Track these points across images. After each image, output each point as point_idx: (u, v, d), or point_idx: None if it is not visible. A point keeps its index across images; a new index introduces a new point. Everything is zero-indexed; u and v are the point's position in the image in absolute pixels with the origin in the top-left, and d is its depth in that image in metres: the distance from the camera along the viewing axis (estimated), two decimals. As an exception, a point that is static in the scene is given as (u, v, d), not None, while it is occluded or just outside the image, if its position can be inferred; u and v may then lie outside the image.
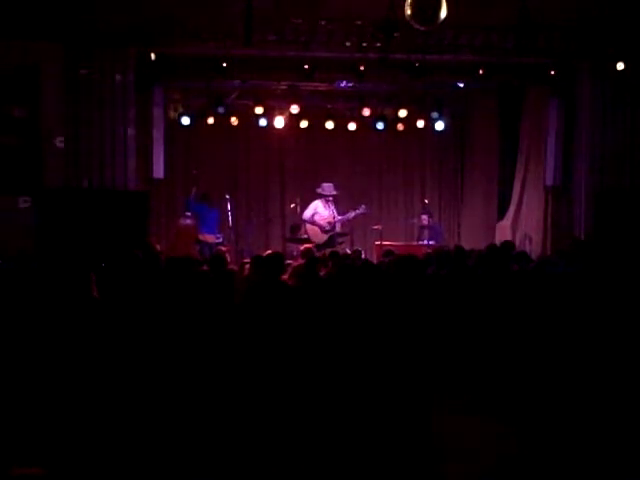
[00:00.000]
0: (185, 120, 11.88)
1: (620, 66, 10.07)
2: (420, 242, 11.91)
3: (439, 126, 12.67)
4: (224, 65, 9.95)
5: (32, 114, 9.49)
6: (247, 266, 7.29)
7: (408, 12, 6.48)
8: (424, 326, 5.27)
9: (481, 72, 10.54)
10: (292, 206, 12.11)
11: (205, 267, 6.82)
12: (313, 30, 9.56)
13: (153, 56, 10.06)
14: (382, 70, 10.39)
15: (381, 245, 10.92)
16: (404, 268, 5.86)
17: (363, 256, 9.36)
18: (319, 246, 10.38)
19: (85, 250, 8.18)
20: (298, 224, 11.84)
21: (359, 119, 12.79)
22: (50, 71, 9.48)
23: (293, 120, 12.65)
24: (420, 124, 12.94)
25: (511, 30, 9.55)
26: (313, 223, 11.52)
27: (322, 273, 6.53)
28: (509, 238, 11.09)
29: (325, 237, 11.47)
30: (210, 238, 11.15)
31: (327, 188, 11.65)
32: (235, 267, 7.57)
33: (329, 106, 12.74)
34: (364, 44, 9.66)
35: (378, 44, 9.54)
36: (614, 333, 5.54)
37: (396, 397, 4.66)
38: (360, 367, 4.77)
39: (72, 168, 9.63)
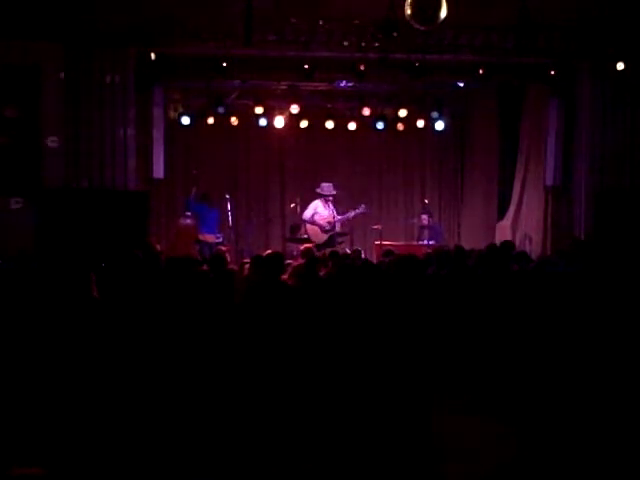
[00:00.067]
0: (185, 120, 11.88)
1: (620, 66, 10.07)
2: (420, 242, 11.91)
3: (439, 126, 12.67)
4: (224, 65, 9.95)
5: (32, 114, 9.49)
6: (247, 266, 7.29)
7: (408, 12, 6.47)
8: (424, 326, 5.27)
9: (481, 72, 10.53)
10: (292, 206, 12.12)
11: (205, 267, 6.82)
12: (313, 30, 9.56)
13: (153, 56, 10.06)
14: (382, 70, 10.39)
15: (381, 245, 10.92)
16: (404, 268, 5.86)
17: (363, 256, 9.36)
18: (319, 246, 10.38)
19: (85, 250, 8.18)
20: (298, 224, 11.84)
21: (359, 119, 12.79)
22: (50, 71, 9.48)
23: (293, 120, 12.65)
24: (420, 124, 12.95)
25: (511, 30, 9.54)
26: (313, 223, 11.53)
27: (322, 273, 6.53)
28: (509, 238, 11.08)
29: (325, 237, 11.47)
30: (210, 238, 11.15)
31: (326, 188, 11.65)
32: (235, 267, 7.57)
33: (329, 106, 12.74)
34: (364, 44, 9.66)
35: (377, 44, 9.54)
36: (614, 333, 5.54)
37: (396, 397, 4.66)
38: (360, 367, 4.77)
39: (72, 168, 9.63)
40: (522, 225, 12.16)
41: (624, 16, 9.47)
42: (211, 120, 12.22)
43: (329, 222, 11.52)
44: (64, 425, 4.10)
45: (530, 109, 12.04)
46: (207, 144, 12.99)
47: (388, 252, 8.44)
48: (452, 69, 10.92)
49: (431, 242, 11.36)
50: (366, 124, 12.77)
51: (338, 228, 11.70)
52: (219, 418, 4.49)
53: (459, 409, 5.26)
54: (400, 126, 12.95)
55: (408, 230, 13.47)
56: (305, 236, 11.41)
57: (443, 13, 6.43)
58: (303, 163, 13.41)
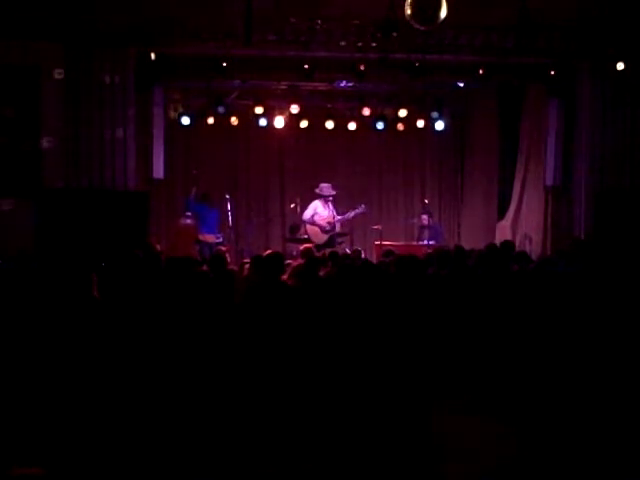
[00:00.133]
0: (185, 120, 11.88)
1: (620, 66, 10.07)
2: (420, 242, 11.90)
3: (439, 126, 12.67)
4: (224, 65, 9.95)
5: (32, 114, 9.49)
6: (247, 266, 7.29)
7: (408, 12, 6.47)
8: (424, 326, 5.27)
9: (481, 72, 10.53)
10: (292, 206, 12.11)
11: (205, 267, 6.82)
12: (313, 30, 9.56)
13: (153, 56, 10.06)
14: (382, 70, 10.40)
15: (381, 245, 10.92)
16: (405, 268, 5.86)
17: (363, 256, 9.36)
18: (319, 246, 10.37)
19: (85, 250, 8.18)
20: (297, 224, 11.84)
21: (359, 119, 12.79)
22: (50, 71, 9.48)
23: (293, 120, 12.65)
24: (420, 124, 12.94)
25: (511, 30, 9.55)
26: (313, 223, 11.53)
27: (322, 273, 6.53)
28: (509, 238, 11.08)
29: (325, 237, 11.48)
30: (210, 238, 11.15)
31: (326, 189, 11.65)
32: (235, 267, 7.57)
33: (329, 106, 12.75)
34: (364, 44, 9.66)
35: (375, 44, 9.54)
36: (614, 333, 5.54)
37: (396, 397, 4.66)
38: (360, 367, 4.77)
39: (72, 168, 9.63)
40: (522, 225, 12.16)
41: (624, 16, 9.46)
42: (211, 120, 12.22)
43: (329, 222, 11.52)
44: (64, 425, 4.10)
45: (530, 109, 12.04)
46: (207, 144, 12.99)
47: (388, 252, 8.44)
48: (452, 69, 10.92)
49: (431, 242, 11.35)
50: (366, 124, 12.77)
51: (338, 228, 11.70)
52: (219, 418, 4.49)
53: (459, 409, 5.26)
54: (400, 126, 12.94)
55: (408, 230, 13.47)
56: (305, 236, 11.41)
57: (443, 13, 6.43)
58: (303, 163, 13.40)
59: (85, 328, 4.59)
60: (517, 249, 8.90)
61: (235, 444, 4.40)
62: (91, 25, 9.34)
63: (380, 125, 12.53)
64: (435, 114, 12.56)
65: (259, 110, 12.11)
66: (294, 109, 12.36)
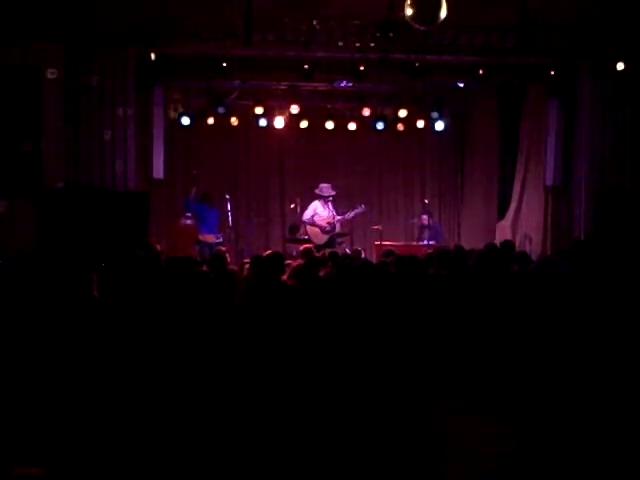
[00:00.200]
0: (185, 120, 11.89)
1: (620, 66, 10.06)
2: (420, 242, 11.90)
3: (439, 126, 12.68)
4: (224, 65, 9.95)
5: (32, 114, 9.48)
6: (247, 266, 7.29)
7: (408, 12, 6.47)
8: (424, 326, 5.27)
9: (481, 72, 10.53)
10: (292, 206, 12.11)
11: (205, 267, 6.82)
12: (313, 30, 9.56)
13: (153, 56, 10.06)
14: (382, 70, 10.40)
15: (381, 245, 10.92)
16: (405, 268, 5.86)
17: (363, 256, 9.36)
18: (319, 247, 10.37)
19: (85, 250, 8.18)
20: (297, 224, 11.84)
21: (359, 119, 12.80)
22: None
23: (293, 120, 12.66)
24: (420, 124, 12.95)
25: (511, 30, 9.55)
26: (313, 224, 11.52)
27: (321, 273, 6.53)
28: (509, 238, 11.08)
29: (325, 238, 11.47)
30: (210, 238, 11.15)
31: (325, 189, 11.65)
32: (235, 267, 7.56)
33: (329, 106, 12.76)
34: (364, 44, 9.65)
35: (373, 44, 9.54)
36: (614, 333, 5.54)
37: (396, 397, 4.66)
38: (360, 367, 4.77)
39: (72, 168, 9.63)
40: (522, 225, 12.16)
41: (624, 16, 9.46)
42: (211, 120, 12.23)
43: (329, 223, 11.52)
44: (64, 425, 4.11)
45: (530, 109, 12.04)
46: (207, 144, 13.00)
47: (388, 252, 8.44)
48: (452, 69, 10.92)
49: (431, 242, 11.35)
50: (366, 124, 12.78)
51: (338, 229, 11.70)
52: (219, 418, 4.49)
53: (459, 409, 5.26)
54: (400, 126, 12.96)
55: (408, 230, 13.47)
56: (305, 237, 11.40)
57: (443, 13, 6.43)
58: (303, 163, 13.41)
59: (85, 328, 4.59)
60: (517, 249, 8.89)
61: (235, 444, 4.40)
62: (91, 25, 9.33)
63: (380, 125, 12.54)
64: (435, 114, 12.57)
65: (259, 110, 12.12)
66: (294, 109, 12.37)
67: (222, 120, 12.23)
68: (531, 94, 11.99)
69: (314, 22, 9.44)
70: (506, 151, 12.77)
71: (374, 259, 10.38)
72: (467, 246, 9.13)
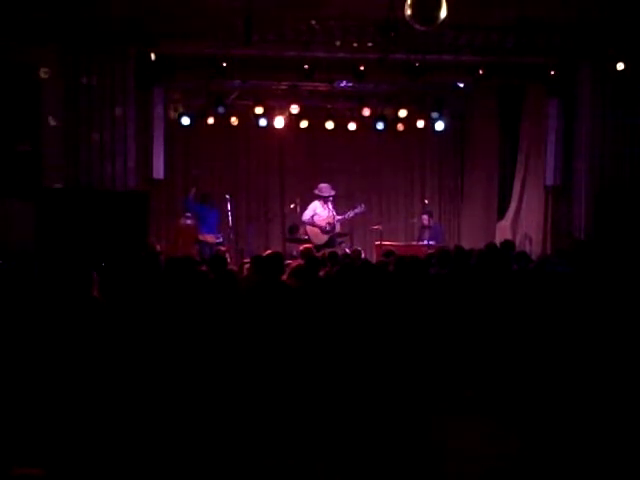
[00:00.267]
0: (185, 120, 11.89)
1: (620, 66, 10.07)
2: (420, 242, 11.90)
3: (439, 126, 12.67)
4: (224, 65, 9.96)
5: (32, 114, 9.49)
6: (247, 266, 7.29)
7: (408, 12, 6.46)
8: (424, 326, 5.27)
9: (481, 72, 10.53)
10: (292, 206, 12.11)
11: (204, 267, 6.82)
12: (313, 30, 9.56)
13: (153, 56, 10.06)
14: (382, 70, 10.40)
15: (381, 245, 10.92)
16: (405, 268, 5.86)
17: (363, 256, 9.36)
18: (319, 247, 10.37)
19: (85, 250, 8.18)
20: (296, 225, 11.84)
21: (359, 119, 12.80)
22: (50, 71, 9.48)
23: (293, 120, 12.66)
24: (420, 124, 12.95)
25: (511, 30, 9.56)
26: (313, 224, 11.52)
27: (321, 273, 6.53)
28: (509, 238, 11.08)
29: (325, 238, 11.47)
30: (210, 238, 11.16)
31: (325, 189, 11.65)
32: (235, 267, 7.57)
33: (329, 106, 12.76)
34: (364, 44, 9.66)
35: (371, 44, 9.55)
36: (614, 333, 5.54)
37: (396, 397, 4.66)
38: (361, 367, 4.77)
39: (72, 168, 9.63)
40: (522, 225, 12.16)
41: (624, 16, 9.46)
42: (211, 120, 12.24)
43: (329, 223, 11.52)
44: (64, 425, 4.11)
45: (530, 109, 12.04)
46: (207, 144, 13.00)
47: (389, 252, 8.44)
48: (452, 69, 10.92)
49: (431, 242, 11.36)
50: (366, 124, 12.78)
51: (338, 228, 11.70)
52: (220, 418, 4.49)
53: (459, 409, 5.26)
54: (400, 126, 12.95)
55: (408, 230, 13.47)
56: (305, 237, 11.41)
57: (443, 13, 6.42)
58: (303, 163, 13.41)
59: (85, 328, 4.59)
60: (517, 249, 8.90)
61: (236, 444, 4.40)
62: (91, 25, 9.34)
63: (380, 125, 12.53)
64: (435, 114, 12.56)
65: (259, 110, 12.12)
66: (294, 109, 12.37)
67: (222, 120, 12.23)
68: (531, 94, 11.99)
69: (313, 22, 9.43)
70: (506, 151, 12.77)
71: (374, 259, 10.38)
72: (467, 246, 9.14)
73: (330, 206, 11.60)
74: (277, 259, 5.99)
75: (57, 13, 9.09)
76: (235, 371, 4.69)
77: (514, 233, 12.09)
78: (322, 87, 11.88)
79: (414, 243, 12.18)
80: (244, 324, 5.04)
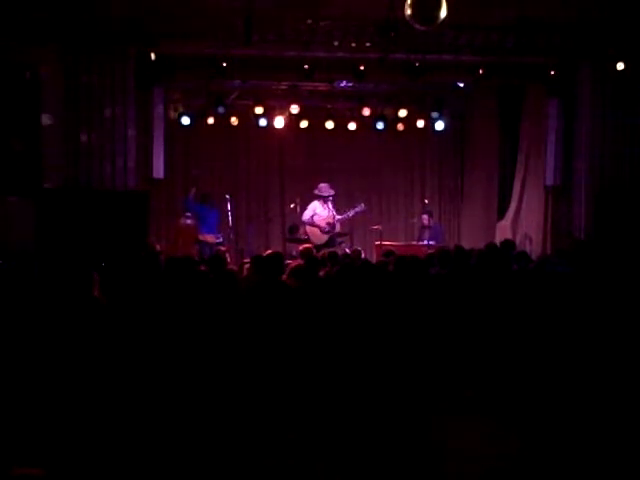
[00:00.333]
0: (185, 120, 11.89)
1: (620, 66, 10.07)
2: (420, 242, 11.91)
3: (439, 126, 12.68)
4: (224, 65, 9.96)
5: (32, 114, 9.49)
6: (247, 266, 7.29)
7: (408, 12, 6.46)
8: (424, 326, 5.27)
9: (481, 72, 10.53)
10: (292, 206, 12.11)
11: (204, 267, 6.82)
12: (313, 30, 9.56)
13: (153, 56, 10.06)
14: (382, 70, 10.40)
15: (381, 245, 10.92)
16: (405, 268, 5.86)
17: (363, 256, 9.36)
18: (319, 246, 10.37)
19: (85, 250, 8.19)
20: (296, 224, 11.84)
21: (359, 119, 12.81)
22: (50, 71, 9.49)
23: (293, 120, 12.67)
24: (420, 124, 12.96)
25: (511, 30, 9.56)
26: (312, 224, 11.52)
27: (321, 273, 6.53)
28: (509, 238, 11.08)
29: (325, 238, 11.47)
30: (210, 238, 11.16)
31: (324, 189, 11.65)
32: (235, 267, 7.57)
33: (329, 106, 12.76)
34: (364, 44, 9.66)
35: (371, 44, 9.55)
36: (614, 332, 5.54)
37: (396, 397, 4.66)
38: (361, 367, 4.77)
39: (72, 168, 9.63)
40: (522, 225, 12.16)
41: (624, 16, 9.46)
42: (211, 120, 12.24)
43: (328, 223, 11.52)
44: (64, 425, 4.11)
45: (530, 109, 12.04)
46: (207, 144, 13.00)
47: (389, 252, 8.44)
48: (452, 69, 10.92)
49: (431, 242, 11.36)
50: (366, 124, 12.78)
51: (338, 228, 11.70)
52: (220, 418, 4.49)
53: (459, 409, 5.26)
54: (400, 126, 12.96)
55: (408, 230, 13.48)
56: (305, 237, 11.41)
57: (443, 13, 6.42)
58: (303, 163, 13.41)
59: (85, 328, 4.59)
60: (517, 249, 8.90)
61: (236, 444, 4.40)
62: (91, 25, 9.34)
63: (380, 125, 12.54)
64: (435, 114, 12.56)
65: (259, 110, 12.12)
66: (294, 109, 12.37)
67: (222, 120, 12.24)
68: (531, 94, 11.99)
69: (309, 21, 9.43)
70: (506, 151, 12.77)
71: (374, 259, 10.38)
72: (467, 246, 9.14)
73: (330, 206, 11.60)
74: (277, 259, 6.00)
75: (57, 13, 9.09)
76: (235, 371, 4.69)
77: (514, 233, 12.09)
78: (322, 87, 11.88)
79: (414, 243, 12.18)
80: (244, 324, 5.05)
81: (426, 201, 13.04)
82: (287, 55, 10.01)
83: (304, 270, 5.95)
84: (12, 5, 8.94)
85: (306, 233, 11.54)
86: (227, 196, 11.74)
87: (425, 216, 12.27)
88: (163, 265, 6.73)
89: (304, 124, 12.78)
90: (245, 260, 9.58)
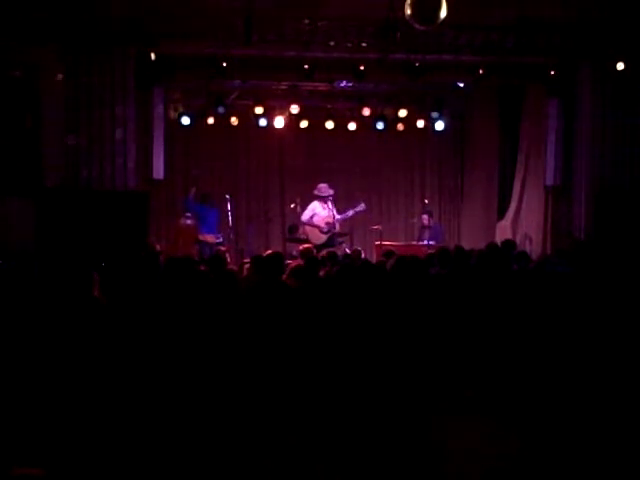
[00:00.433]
0: (185, 120, 11.90)
1: (620, 66, 10.07)
2: (420, 242, 11.91)
3: (439, 126, 12.68)
4: (224, 65, 9.96)
5: (32, 114, 9.49)
6: (247, 266, 7.29)
7: (408, 12, 6.46)
8: (424, 326, 5.27)
9: (481, 72, 10.54)
10: (292, 206, 12.11)
11: (204, 267, 6.82)
12: (313, 30, 9.56)
13: (153, 56, 10.06)
14: (382, 70, 10.41)
15: (381, 245, 10.92)
16: (405, 268, 5.86)
17: (363, 256, 9.36)
18: (319, 246, 10.37)
19: (85, 250, 8.19)
20: (296, 224, 11.84)
21: (359, 119, 12.81)
22: (50, 71, 9.49)
23: (293, 120, 12.67)
24: (420, 124, 12.97)
25: (511, 30, 9.56)
26: (312, 225, 11.52)
27: (321, 273, 6.53)
28: (509, 238, 11.08)
29: (325, 238, 11.47)
30: (210, 238, 11.16)
31: (323, 189, 11.64)
32: (235, 267, 7.57)
33: (329, 106, 12.77)
34: (364, 44, 9.66)
35: (370, 44, 9.55)
36: (614, 333, 5.54)
37: (396, 397, 4.66)
38: (361, 367, 4.77)
39: (72, 168, 9.63)
40: (522, 225, 12.16)
41: (624, 16, 9.46)
42: (211, 120, 12.25)
43: (328, 223, 11.51)
44: (64, 425, 4.11)
45: (530, 109, 12.04)
46: (207, 144, 13.01)
47: (389, 252, 8.44)
48: (452, 69, 10.92)
49: (431, 242, 11.36)
50: (366, 124, 12.79)
51: (338, 228, 11.70)
52: (219, 418, 4.49)
53: (459, 409, 5.26)
54: (400, 126, 12.97)
55: (408, 230, 13.48)
56: (305, 237, 11.41)
57: (443, 13, 6.42)
58: (303, 163, 13.42)
59: (85, 328, 4.59)
60: (517, 249, 8.89)
61: (235, 444, 4.40)
62: (91, 25, 9.34)
63: (380, 125, 12.55)
64: (435, 114, 12.57)
65: (259, 110, 12.13)
66: (294, 109, 12.38)
67: (222, 120, 12.25)
68: (531, 94, 11.99)
69: (307, 21, 9.43)
70: (506, 151, 12.77)
71: (374, 259, 10.38)
72: (467, 246, 9.14)
73: (330, 206, 11.60)
74: (277, 259, 6.00)
75: (57, 13, 9.09)
76: (235, 371, 4.69)
77: (514, 233, 12.09)
78: (322, 87, 11.88)
79: (414, 243, 12.18)
80: (244, 324, 5.05)
81: (426, 201, 13.04)
82: (287, 55, 10.01)
83: (304, 270, 5.95)
84: (12, 5, 8.94)
85: (306, 233, 11.54)
86: (227, 196, 11.74)
87: (425, 216, 12.27)
88: (163, 265, 6.73)
89: (304, 124, 12.79)
90: (245, 260, 9.58)
